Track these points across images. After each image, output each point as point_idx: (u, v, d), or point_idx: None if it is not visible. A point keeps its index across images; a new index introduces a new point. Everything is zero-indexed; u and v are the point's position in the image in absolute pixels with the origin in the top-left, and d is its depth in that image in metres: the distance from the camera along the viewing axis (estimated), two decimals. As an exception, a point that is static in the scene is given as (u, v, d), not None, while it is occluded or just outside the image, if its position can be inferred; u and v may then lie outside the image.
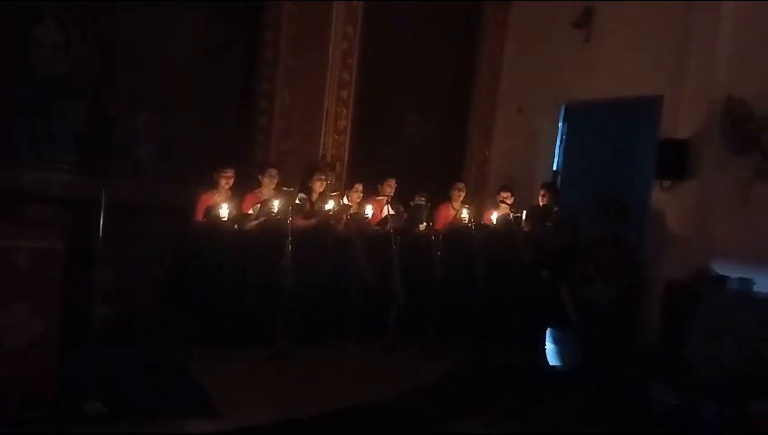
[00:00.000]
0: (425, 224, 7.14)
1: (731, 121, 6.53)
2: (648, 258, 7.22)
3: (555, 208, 7.47)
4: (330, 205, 6.69)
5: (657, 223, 7.25)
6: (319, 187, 6.92)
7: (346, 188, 7.52)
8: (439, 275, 6.85)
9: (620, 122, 9.09)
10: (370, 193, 7.32)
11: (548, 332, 7.56)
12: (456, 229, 7.37)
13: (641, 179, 7.84)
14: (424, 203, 7.31)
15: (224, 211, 6.15)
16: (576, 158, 9.00)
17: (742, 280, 6.32)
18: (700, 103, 6.92)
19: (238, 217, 6.36)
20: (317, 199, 6.85)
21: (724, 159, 6.72)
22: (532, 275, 7.05)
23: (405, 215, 7.34)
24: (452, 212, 7.61)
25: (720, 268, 6.56)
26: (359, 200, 7.16)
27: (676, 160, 7.00)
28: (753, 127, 6.40)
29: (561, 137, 9.00)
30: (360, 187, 7.22)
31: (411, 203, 7.42)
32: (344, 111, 8.20)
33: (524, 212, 7.45)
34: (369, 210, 6.96)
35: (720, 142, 6.68)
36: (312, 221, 6.74)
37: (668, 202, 7.20)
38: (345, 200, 7.10)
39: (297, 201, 6.59)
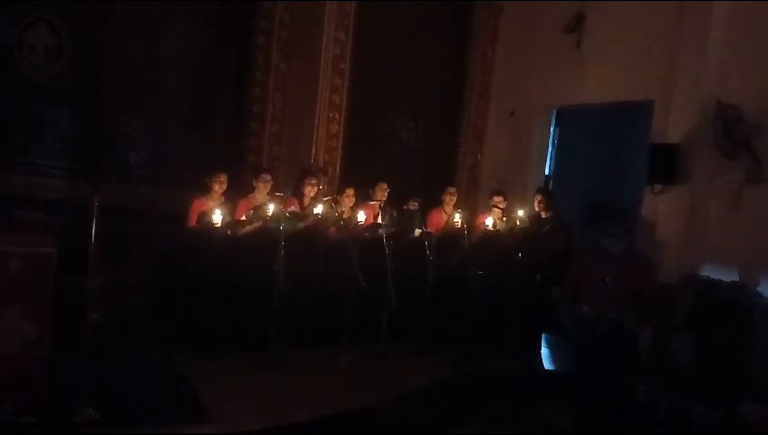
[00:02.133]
0: (419, 230, 7.14)
1: (722, 126, 6.56)
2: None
3: (550, 213, 7.49)
4: (318, 208, 6.65)
5: (649, 227, 7.27)
6: (310, 191, 6.87)
7: (338, 192, 7.50)
8: (432, 280, 6.86)
9: (612, 127, 9.16)
10: (363, 198, 7.29)
11: (542, 336, 7.55)
12: (451, 234, 7.37)
13: (633, 184, 7.88)
14: (416, 208, 7.31)
15: (217, 217, 6.10)
16: (568, 162, 9.03)
17: (734, 284, 6.34)
18: (691, 108, 6.95)
19: (232, 223, 6.34)
20: (308, 204, 6.83)
21: (715, 164, 6.75)
22: (526, 280, 7.06)
23: (397, 219, 7.33)
24: (444, 217, 7.60)
25: (712, 272, 6.59)
26: (351, 205, 7.14)
27: (667, 165, 7.03)
28: (744, 131, 6.43)
29: (553, 141, 9.02)
30: (351, 191, 7.19)
31: (404, 207, 7.41)
32: (336, 115, 8.17)
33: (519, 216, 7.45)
34: (361, 216, 6.94)
35: (711, 147, 6.71)
36: (301, 225, 6.69)
37: (660, 206, 7.22)
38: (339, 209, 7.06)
39: (287, 214, 6.50)
